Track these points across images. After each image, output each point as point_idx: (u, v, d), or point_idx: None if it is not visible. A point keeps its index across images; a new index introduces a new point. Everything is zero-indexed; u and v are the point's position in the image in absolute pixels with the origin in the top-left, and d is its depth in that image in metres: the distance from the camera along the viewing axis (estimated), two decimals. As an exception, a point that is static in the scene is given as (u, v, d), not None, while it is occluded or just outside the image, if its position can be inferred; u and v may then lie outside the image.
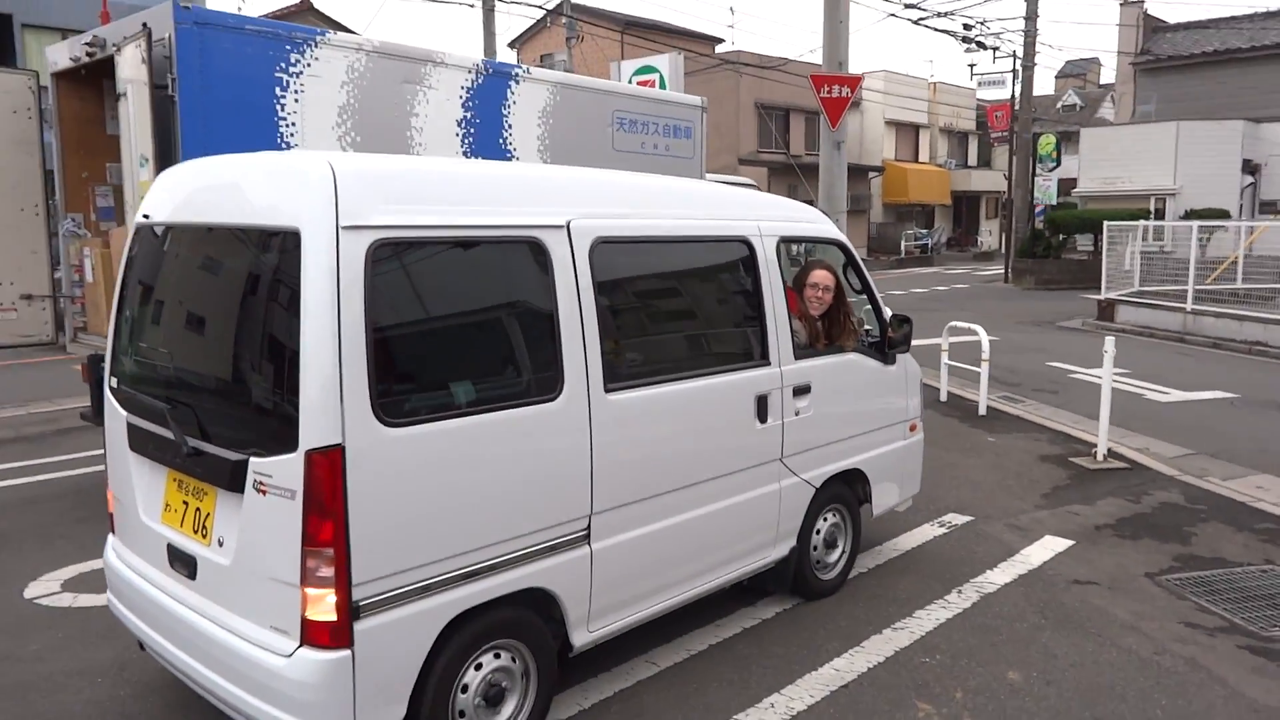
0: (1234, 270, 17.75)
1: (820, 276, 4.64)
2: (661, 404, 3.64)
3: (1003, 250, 35.03)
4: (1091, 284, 23.61)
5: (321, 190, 2.75)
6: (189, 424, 3.04)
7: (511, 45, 45.79)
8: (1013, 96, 26.72)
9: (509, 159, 7.39)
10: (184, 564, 3.10)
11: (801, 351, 4.32)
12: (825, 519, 4.67)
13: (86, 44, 6.18)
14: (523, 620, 3.25)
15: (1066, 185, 31.00)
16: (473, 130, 7.16)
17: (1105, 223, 17.86)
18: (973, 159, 48.62)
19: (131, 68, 5.66)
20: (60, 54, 6.74)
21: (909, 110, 42.93)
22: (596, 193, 3.71)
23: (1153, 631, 4.38)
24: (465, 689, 3.11)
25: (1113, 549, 5.50)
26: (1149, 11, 31.21)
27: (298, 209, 2.78)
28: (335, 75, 6.29)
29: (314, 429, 2.65)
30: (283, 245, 2.81)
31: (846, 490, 4.78)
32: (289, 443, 2.68)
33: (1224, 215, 23.87)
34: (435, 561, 2.92)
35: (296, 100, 6.11)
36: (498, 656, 3.20)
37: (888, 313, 4.95)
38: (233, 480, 2.86)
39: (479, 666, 3.14)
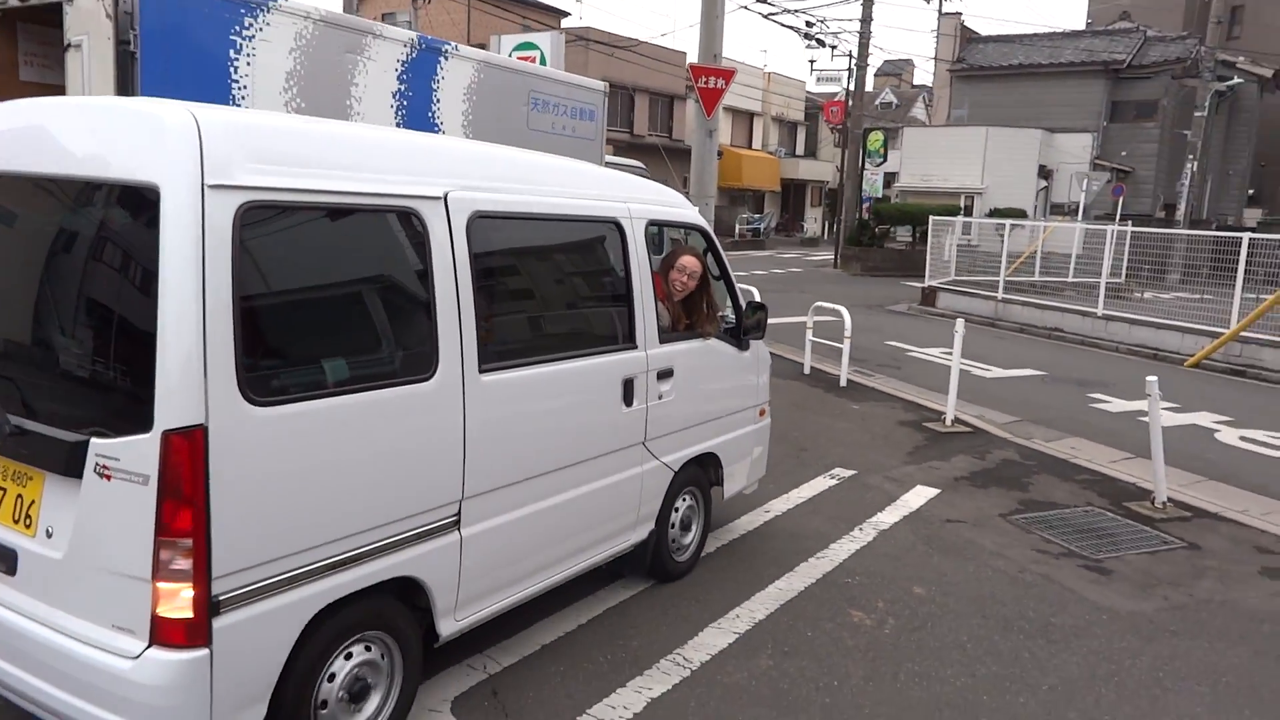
0: (1034, 263, 20.14)
1: (687, 262, 4.64)
2: (534, 386, 3.58)
3: (826, 237, 37.59)
4: (911, 272, 25.90)
5: (184, 142, 2.48)
6: (9, 399, 2.74)
7: (349, -1, 44.09)
8: (847, 92, 28.66)
9: (437, 133, 7.75)
10: (1, 559, 2.79)
11: (665, 335, 4.33)
12: (682, 502, 4.74)
13: (23, -11, 6.08)
14: (389, 611, 3.12)
15: (888, 179, 33.57)
16: (405, 103, 7.48)
17: (930, 218, 19.76)
18: (800, 149, 51.35)
19: (89, 21, 5.67)
20: (-23, -5, 6.53)
21: (745, 98, 44.79)
22: (474, 165, 3.55)
23: (1014, 556, 5.46)
24: (329, 685, 2.96)
25: (971, 496, 6.62)
26: (965, 23, 34.06)
27: (155, 162, 2.49)
28: (285, 41, 6.48)
29: (173, 407, 2.42)
30: (136, 203, 2.53)
31: (701, 473, 4.86)
32: (141, 422, 2.44)
33: (1022, 214, 26.72)
34: (301, 551, 2.73)
35: (249, 64, 6.27)
36: (364, 650, 3.07)
37: (744, 300, 5.09)
38: (68, 464, 2.58)
39: (344, 660, 3.00)
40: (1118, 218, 25.45)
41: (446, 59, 7.82)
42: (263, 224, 2.64)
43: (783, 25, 33.69)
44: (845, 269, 27.63)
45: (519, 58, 14.97)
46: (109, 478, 2.51)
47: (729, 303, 5.07)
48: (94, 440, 2.53)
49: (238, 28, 6.20)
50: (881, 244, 28.26)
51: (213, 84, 6.07)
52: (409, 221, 3.07)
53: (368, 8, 42.02)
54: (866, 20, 27.47)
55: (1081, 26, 37.92)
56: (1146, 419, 6.55)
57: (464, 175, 3.36)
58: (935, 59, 34.26)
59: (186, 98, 5.63)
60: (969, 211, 27.65)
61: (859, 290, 22.09)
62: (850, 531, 5.69)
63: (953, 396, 8.69)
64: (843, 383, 10.22)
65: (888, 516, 6.03)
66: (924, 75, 61.03)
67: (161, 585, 2.46)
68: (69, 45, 5.87)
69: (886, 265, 27.20)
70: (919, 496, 6.49)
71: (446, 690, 3.64)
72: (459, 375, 3.17)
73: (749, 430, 5.25)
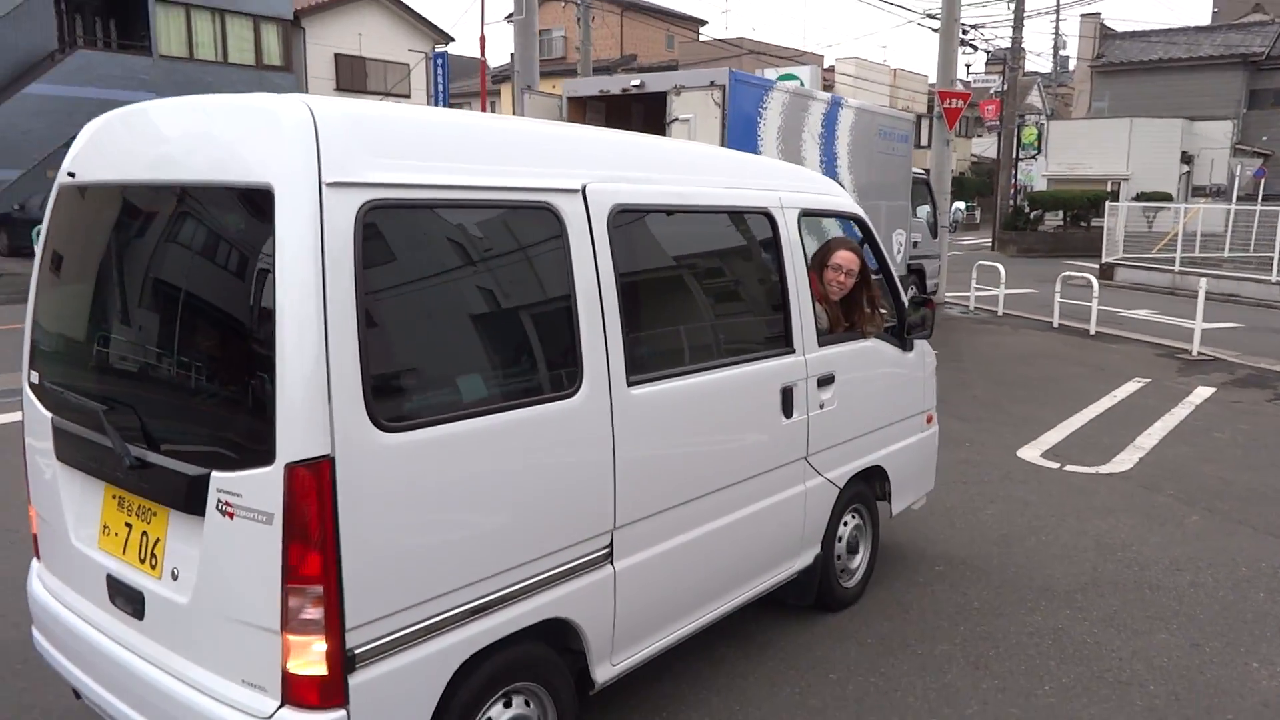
0: (1183, 241, 22.94)
1: (844, 258, 4.28)
2: (687, 399, 3.27)
3: (975, 223, 40.68)
4: (1064, 253, 28.68)
5: (299, 138, 2.23)
6: (130, 429, 2.52)
7: (508, 19, 48.63)
8: (1002, 92, 31.57)
9: (835, 162, 11.37)
10: (128, 600, 2.60)
11: (823, 338, 3.99)
12: (847, 521, 4.43)
13: (635, 85, 9.89)
14: (539, 657, 2.88)
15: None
16: (821, 142, 11.13)
17: (1107, 203, 22.71)
18: (924, 140, 53.88)
19: (699, 105, 9.42)
20: (584, 87, 10.44)
21: (876, 95, 47.71)
22: (612, 154, 3.30)
23: (1290, 416, 8.82)
24: None
25: (1238, 392, 9.93)
26: (1104, 21, 36.54)
27: (268, 161, 2.25)
28: (777, 109, 10.18)
29: (296, 437, 2.17)
30: (250, 207, 2.29)
31: (867, 489, 4.56)
32: (263, 454, 2.19)
33: (1167, 198, 29.26)
34: (442, 595, 2.49)
35: (763, 124, 9.99)
36: (509, 705, 2.80)
37: (906, 295, 4.76)
38: (189, 500, 2.36)
39: (492, 717, 2.74)
40: (1259, 198, 27.85)
41: (842, 109, 11.45)
42: (386, 225, 2.39)
43: (934, 31, 36.40)
44: (1002, 251, 30.49)
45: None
46: (231, 515, 2.29)
47: (892, 300, 4.66)
48: (214, 474, 2.32)
49: (759, 103, 9.92)
50: (1035, 228, 31.07)
51: (749, 140, 9.78)
52: (545, 218, 2.80)
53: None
54: (1019, 26, 30.35)
55: (1207, 20, 39.90)
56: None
57: (602, 165, 3.10)
58: (1078, 58, 36.80)
59: (741, 150, 9.39)
60: (1115, 196, 30.27)
61: (1027, 269, 24.97)
62: (1176, 405, 9.09)
63: (1198, 332, 12.01)
64: (1092, 331, 13.55)
65: (1193, 399, 9.40)
66: (1034, 63, 63.01)
67: (292, 638, 2.23)
68: (674, 119, 9.67)
69: (1040, 247, 30.00)
70: (1204, 391, 9.84)
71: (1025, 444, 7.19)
72: (605, 389, 2.90)
73: (916, 439, 4.86)
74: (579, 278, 2.84)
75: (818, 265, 4.24)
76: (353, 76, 31.44)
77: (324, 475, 2.19)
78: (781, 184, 4.01)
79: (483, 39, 22.51)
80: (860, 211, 4.55)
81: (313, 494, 2.18)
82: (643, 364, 3.08)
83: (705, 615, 3.55)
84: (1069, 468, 6.90)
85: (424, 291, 2.55)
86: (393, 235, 2.41)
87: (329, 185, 2.23)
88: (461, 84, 39.53)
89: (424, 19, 34.66)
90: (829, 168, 11.14)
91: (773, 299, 3.82)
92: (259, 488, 2.22)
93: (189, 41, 25.62)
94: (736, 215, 3.76)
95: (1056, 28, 38.19)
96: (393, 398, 2.37)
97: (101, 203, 2.84)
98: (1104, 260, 21.93)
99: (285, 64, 27.93)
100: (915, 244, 14.11)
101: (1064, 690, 3.82)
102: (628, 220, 3.10)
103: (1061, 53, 57.14)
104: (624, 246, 3.03)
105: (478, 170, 2.65)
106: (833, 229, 4.90)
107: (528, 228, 2.80)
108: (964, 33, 30.41)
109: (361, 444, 2.26)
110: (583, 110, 10.70)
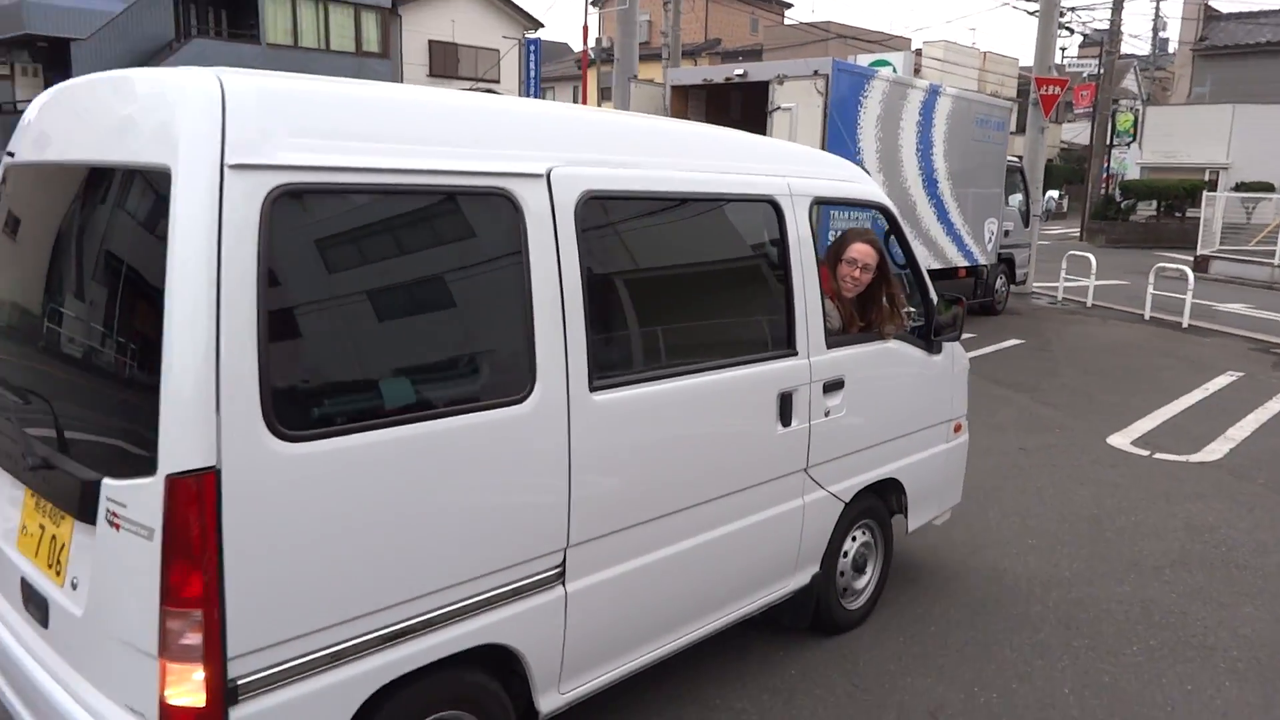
0: (1276, 234, 22.31)
1: (860, 252, 3.90)
2: (661, 406, 2.98)
3: (1063, 212, 40.03)
4: (1156, 244, 28.06)
5: (202, 115, 2.02)
6: (43, 426, 2.42)
7: (594, 3, 49.11)
8: (1098, 76, 30.88)
9: (932, 150, 11.57)
10: (37, 605, 2.43)
11: (833, 339, 3.65)
12: (854, 538, 4.09)
13: (739, 74, 10.26)
14: (472, 686, 2.62)
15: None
16: (918, 130, 11.33)
17: (1204, 193, 22.21)
18: (1013, 125, 52.74)
19: (800, 95, 9.75)
20: (688, 76, 10.86)
21: (964, 79, 46.90)
22: (585, 134, 2.98)
23: (1389, 412, 8.81)
24: None
25: (1336, 387, 9.92)
26: (1208, 2, 35.37)
27: (168, 140, 2.04)
28: (877, 97, 10.43)
29: (178, 445, 1.97)
30: (151, 190, 2.10)
31: (879, 503, 4.17)
32: (146, 463, 2.00)
33: (1269, 188, 28.28)
34: (350, 620, 2.24)
35: (863, 113, 10.27)
36: None
37: (935, 293, 4.28)
38: (83, 507, 2.19)
39: None
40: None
41: (939, 97, 11.63)
42: (302, 213, 2.16)
43: (1030, 14, 35.81)
44: (1091, 241, 29.90)
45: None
46: (118, 527, 2.09)
47: (920, 297, 4.27)
48: (105, 481, 2.13)
49: (860, 91, 10.20)
50: (1126, 218, 30.41)
51: (849, 126, 10.08)
52: (501, 205, 2.54)
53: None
54: (1118, 8, 29.63)
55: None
56: None
57: (573, 147, 2.82)
58: (1180, 41, 35.70)
59: (840, 138, 9.71)
60: (1214, 186, 29.37)
61: (1117, 260, 24.51)
62: (1270, 399, 9.13)
63: (1297, 328, 11.90)
64: (1184, 325, 13.48)
65: (1290, 392, 9.45)
66: (1130, 45, 61.03)
67: (170, 664, 2.03)
68: (776, 108, 10.01)
69: (1131, 238, 29.35)
70: (1301, 385, 9.86)
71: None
72: (563, 395, 2.64)
73: (940, 450, 4.48)
74: (537, 272, 2.57)
75: (831, 259, 3.95)
76: (445, 62, 32.34)
77: (208, 489, 1.99)
78: (792, 169, 3.65)
79: (585, 28, 23.41)
80: (886, 200, 4.21)
81: (194, 510, 1.99)
82: (610, 366, 2.83)
83: (676, 640, 3.24)
84: (1159, 455, 7.11)
85: (344, 286, 2.31)
86: (310, 223, 2.21)
87: (232, 167, 2.02)
88: (546, 69, 40.20)
89: (516, 5, 35.41)
90: (924, 155, 11.36)
91: (773, 296, 3.51)
92: (141, 499, 2.04)
93: (294, 30, 26.75)
94: (734, 203, 3.42)
95: (1157, 9, 37.21)
96: (298, 403, 2.15)
97: (26, 184, 2.74)
98: (1199, 252, 21.49)
99: (383, 51, 28.92)
100: (1006, 233, 14.17)
101: (1151, 651, 4.15)
102: (600, 209, 2.83)
103: (1161, 34, 55.41)
104: (594, 237, 2.79)
105: (421, 152, 2.39)
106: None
107: (478, 216, 2.55)
108: (1060, 15, 29.83)
109: (256, 455, 2.05)
110: (685, 99, 11.11)
